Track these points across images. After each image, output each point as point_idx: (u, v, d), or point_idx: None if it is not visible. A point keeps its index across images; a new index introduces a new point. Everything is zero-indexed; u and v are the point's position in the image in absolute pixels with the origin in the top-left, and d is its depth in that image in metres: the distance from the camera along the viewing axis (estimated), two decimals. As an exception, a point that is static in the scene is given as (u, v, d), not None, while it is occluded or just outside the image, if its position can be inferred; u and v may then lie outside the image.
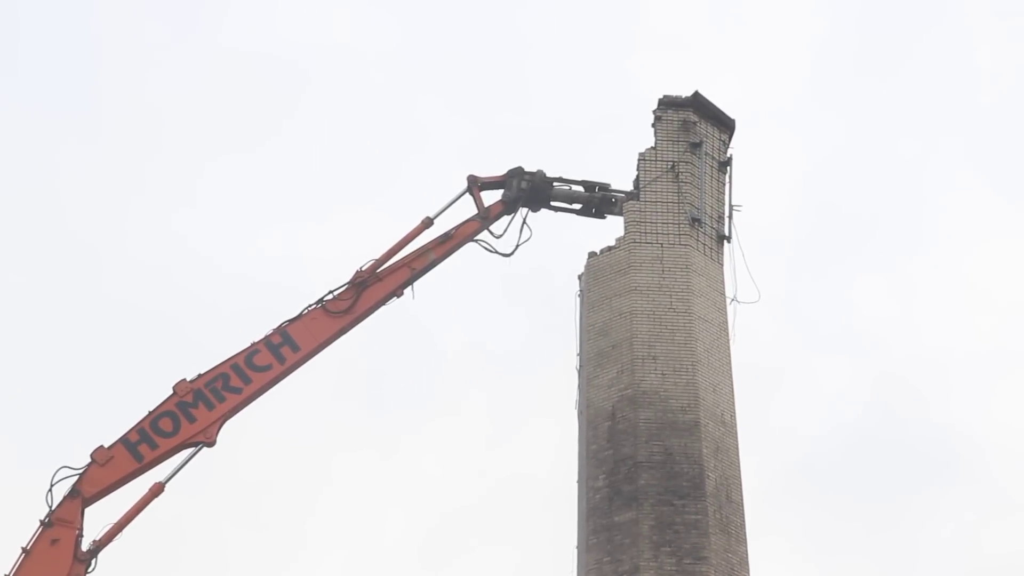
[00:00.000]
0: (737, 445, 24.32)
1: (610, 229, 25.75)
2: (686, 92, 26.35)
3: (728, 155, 26.38)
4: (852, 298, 51.66)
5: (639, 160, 25.98)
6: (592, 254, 25.76)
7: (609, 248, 25.53)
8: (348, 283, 23.77)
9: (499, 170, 25.36)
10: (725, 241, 25.88)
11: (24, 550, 21.28)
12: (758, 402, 24.64)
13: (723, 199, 26.13)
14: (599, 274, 25.40)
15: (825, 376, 47.77)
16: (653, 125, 26.26)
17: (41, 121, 57.46)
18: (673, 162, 25.78)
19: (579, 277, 25.98)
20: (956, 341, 52.26)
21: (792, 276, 44.76)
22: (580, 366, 25.38)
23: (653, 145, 26.10)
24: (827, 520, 44.59)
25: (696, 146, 25.92)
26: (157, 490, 22.03)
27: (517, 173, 25.22)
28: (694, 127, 26.06)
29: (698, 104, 26.23)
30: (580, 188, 25.77)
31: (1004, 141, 57.08)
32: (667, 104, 26.30)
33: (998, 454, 49.31)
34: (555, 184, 25.54)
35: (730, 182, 26.26)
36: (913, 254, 54.28)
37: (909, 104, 56.30)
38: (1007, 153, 56.97)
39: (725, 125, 26.47)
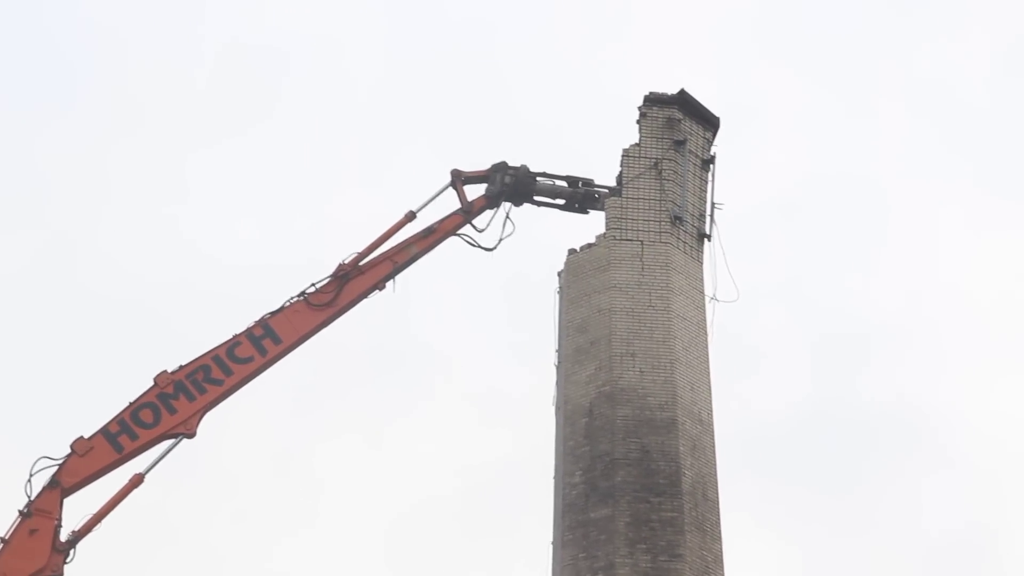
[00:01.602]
0: (714, 443, 24.14)
1: (592, 225, 25.63)
2: (672, 89, 26.16)
3: (712, 153, 26.14)
4: (810, 273, 51.72)
5: (623, 156, 25.79)
6: (572, 251, 25.55)
7: (589, 245, 25.32)
8: (330, 276, 23.64)
9: (483, 164, 25.19)
10: (706, 239, 25.64)
11: (2, 540, 21.10)
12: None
13: (705, 197, 25.88)
14: (579, 271, 25.20)
15: (776, 349, 47.65)
16: (638, 121, 26.04)
17: (21, 112, 57.25)
18: (656, 159, 25.55)
19: (559, 273, 25.80)
20: (907, 314, 52.85)
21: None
22: (559, 362, 25.19)
23: (637, 141, 25.85)
24: (783, 490, 44.53)
25: (680, 144, 25.71)
26: (137, 481, 21.88)
27: (501, 168, 25.09)
28: (679, 124, 25.83)
29: (683, 101, 26.02)
30: (563, 183, 25.59)
31: (981, 128, 57.09)
32: (652, 101, 26.11)
33: (946, 422, 50.11)
34: (538, 179, 25.38)
35: (713, 180, 26.04)
36: (877, 234, 54.27)
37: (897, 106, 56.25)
38: (980, 139, 57.02)
39: (710, 123, 26.27)
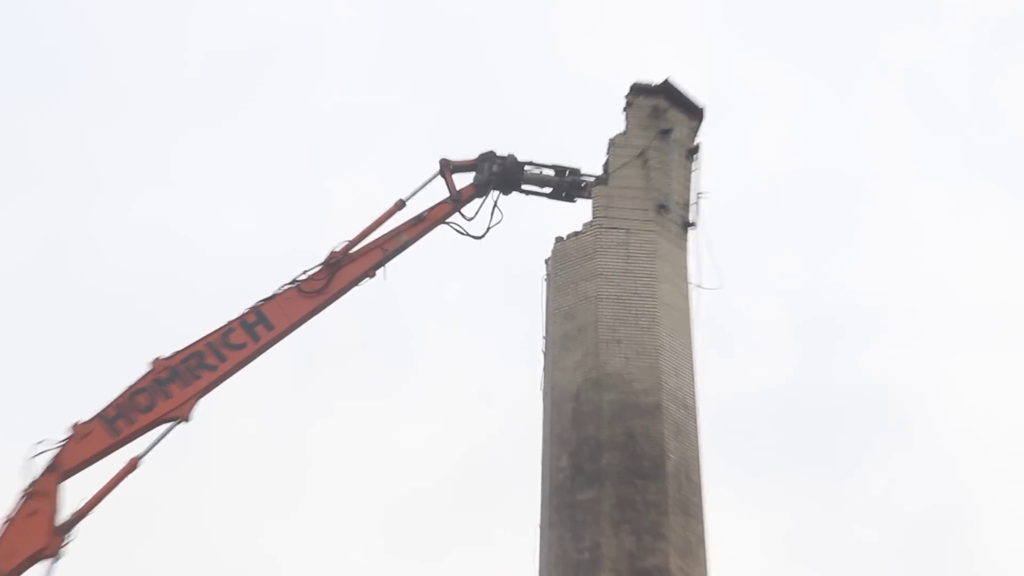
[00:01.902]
0: (697, 428, 24.31)
1: (579, 213, 25.89)
2: (658, 79, 26.36)
3: (697, 142, 26.33)
4: (790, 259, 52.14)
5: (609, 145, 25.96)
6: (559, 238, 25.73)
7: (576, 233, 25.49)
8: (322, 264, 24.05)
9: (471, 153, 25.56)
10: (691, 228, 25.85)
11: (5, 521, 21.60)
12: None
13: (690, 186, 26.09)
14: (565, 258, 25.37)
15: (754, 333, 48.12)
16: (624, 111, 26.22)
17: (8, 104, 57.38)
18: (642, 148, 25.76)
19: (546, 261, 25.96)
20: (882, 299, 53.36)
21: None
22: (546, 348, 25.38)
23: (623, 131, 26.06)
24: (761, 469, 45.02)
25: (666, 133, 25.85)
26: (133, 465, 22.34)
27: (489, 157, 25.46)
28: (664, 114, 26.01)
29: (669, 91, 26.17)
30: (550, 172, 25.93)
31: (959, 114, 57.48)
32: (638, 90, 26.24)
33: (918, 403, 50.84)
34: (526, 168, 25.73)
35: (698, 169, 26.25)
36: (856, 221, 54.68)
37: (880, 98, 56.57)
38: (957, 126, 57.42)
39: (695, 113, 26.38)
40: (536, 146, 26.84)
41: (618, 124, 26.19)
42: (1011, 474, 48.01)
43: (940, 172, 56.07)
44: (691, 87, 26.57)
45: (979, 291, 52.71)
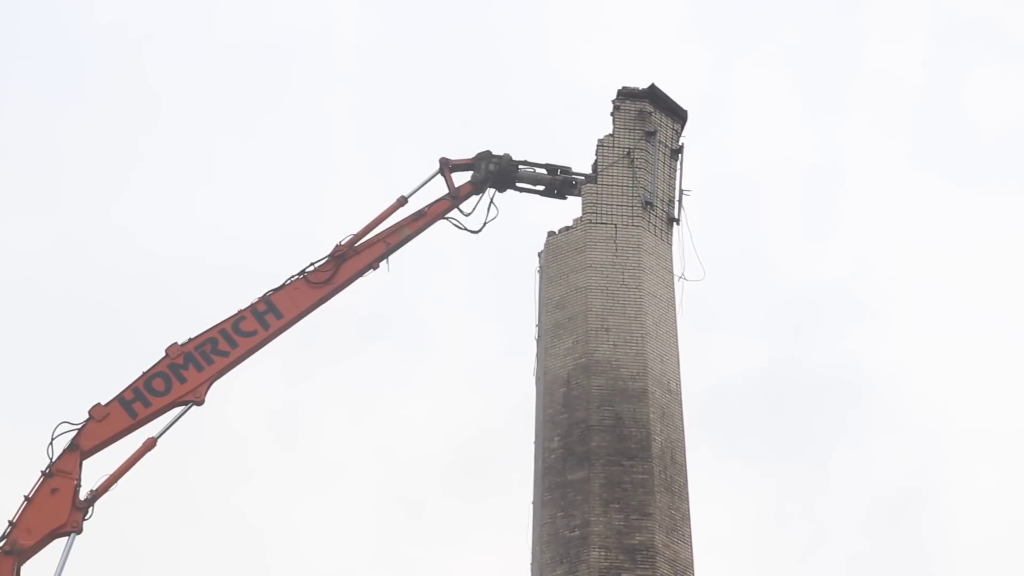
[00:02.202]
0: (682, 411, 25.10)
1: (570, 210, 26.75)
2: (644, 83, 27.30)
3: (680, 143, 27.25)
4: (767, 249, 53.02)
5: (598, 146, 26.85)
6: (551, 233, 26.56)
7: (567, 228, 26.37)
8: (328, 256, 24.66)
9: (469, 153, 26.31)
10: (675, 223, 26.75)
11: (26, 498, 22.05)
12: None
13: (674, 184, 26.99)
14: (557, 252, 26.22)
15: (733, 319, 48.95)
16: (612, 114, 27.11)
17: (35, 106, 57.97)
18: (629, 149, 26.69)
19: (539, 254, 26.84)
20: (855, 284, 54.31)
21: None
22: (538, 336, 26.26)
23: (611, 132, 26.96)
24: (740, 449, 45.86)
25: (651, 135, 26.79)
26: (150, 445, 22.87)
27: (485, 156, 26.21)
28: (649, 117, 26.94)
29: (654, 96, 27.12)
30: (543, 171, 26.71)
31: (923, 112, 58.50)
32: (625, 95, 27.17)
33: (892, 383, 51.63)
34: (520, 167, 26.49)
35: (681, 168, 27.16)
36: (832, 213, 55.67)
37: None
38: (920, 122, 58.44)
39: (678, 115, 27.34)
40: (531, 146, 27.64)
41: (606, 126, 27.13)
42: (981, 455, 49.29)
43: (915, 168, 57.00)
44: (676, 90, 27.64)
45: (947, 275, 54.11)
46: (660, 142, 26.96)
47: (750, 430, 47.27)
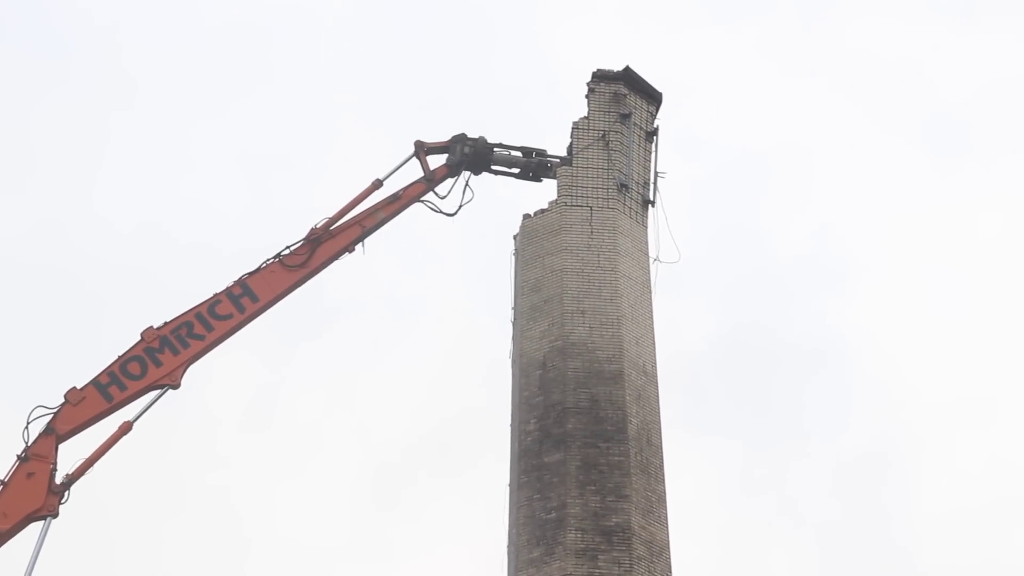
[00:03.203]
0: (657, 393, 24.87)
1: (545, 192, 26.47)
2: (619, 65, 27.02)
3: (655, 126, 27.00)
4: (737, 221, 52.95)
5: (572, 129, 26.58)
6: (527, 215, 26.33)
7: (542, 210, 26.12)
8: (303, 239, 24.39)
9: (444, 135, 26.04)
10: (650, 205, 26.52)
11: (1, 482, 21.77)
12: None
13: (649, 166, 26.75)
14: (533, 234, 25.97)
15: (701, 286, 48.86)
16: (586, 96, 26.84)
17: (12, 88, 57.42)
18: (604, 131, 26.43)
19: (514, 237, 26.55)
20: (824, 245, 54.25)
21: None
22: (514, 319, 25.95)
23: (586, 115, 26.69)
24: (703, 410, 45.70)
25: (625, 117, 26.54)
26: (126, 428, 22.58)
27: (460, 139, 25.93)
28: (624, 99, 26.66)
29: (628, 78, 26.84)
30: (518, 154, 26.43)
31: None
32: (600, 77, 26.89)
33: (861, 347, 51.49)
34: (495, 149, 26.21)
35: (656, 151, 26.90)
36: (802, 187, 55.72)
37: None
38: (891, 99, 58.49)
39: (653, 98, 27.07)
40: (507, 127, 27.41)
41: (582, 108, 26.87)
42: (946, 421, 49.55)
43: (884, 139, 57.04)
44: (651, 72, 27.35)
45: (912, 243, 54.11)
46: (635, 124, 26.70)
47: (715, 396, 47.06)
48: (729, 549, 42.86)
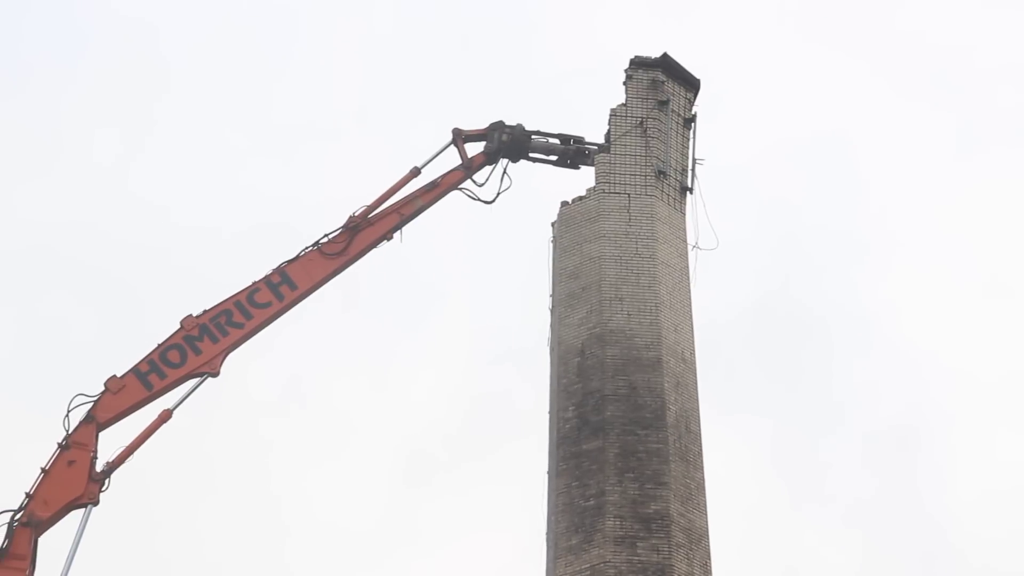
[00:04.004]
0: (696, 380, 24.66)
1: (583, 179, 26.21)
2: (657, 52, 26.77)
3: (693, 112, 26.73)
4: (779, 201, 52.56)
5: (610, 116, 26.35)
6: (564, 203, 26.10)
7: (580, 198, 25.88)
8: (342, 227, 24.25)
9: (482, 123, 25.81)
10: (688, 192, 26.24)
11: (43, 470, 21.69)
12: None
13: (687, 153, 26.47)
14: (570, 221, 25.75)
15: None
16: (624, 83, 26.59)
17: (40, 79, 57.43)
18: (642, 118, 26.16)
19: (552, 224, 26.34)
20: (853, 224, 54.16)
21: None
22: (552, 306, 25.75)
23: (624, 102, 26.43)
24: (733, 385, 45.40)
25: (663, 104, 26.28)
26: (165, 416, 22.50)
27: (498, 126, 25.71)
28: (662, 86, 26.39)
29: (666, 65, 26.59)
30: (556, 141, 26.21)
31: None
32: (638, 64, 26.66)
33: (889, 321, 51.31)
34: (533, 137, 25.98)
35: (694, 137, 26.63)
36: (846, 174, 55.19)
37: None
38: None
39: (691, 84, 26.81)
40: (545, 115, 27.14)
41: (620, 95, 26.59)
42: (975, 393, 49.29)
43: (920, 122, 56.62)
44: (689, 58, 27.07)
45: (951, 220, 54.21)
46: (673, 111, 26.42)
47: (747, 367, 46.75)
48: (760, 529, 42.66)
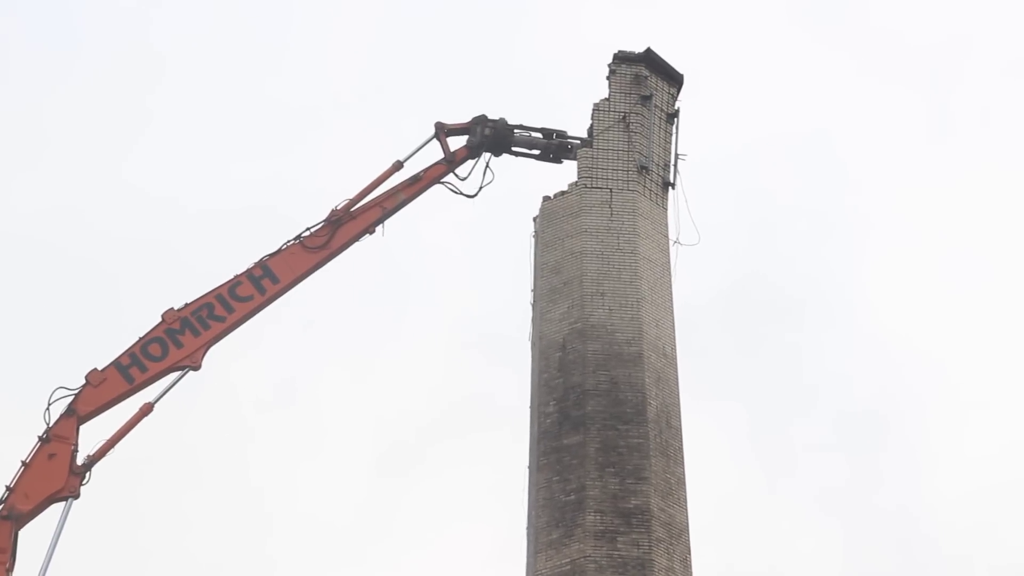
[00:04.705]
0: (677, 376, 24.56)
1: (566, 174, 26.06)
2: (640, 47, 26.57)
3: (676, 107, 26.57)
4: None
5: (593, 110, 26.21)
6: (546, 198, 25.95)
7: (562, 192, 25.74)
8: (324, 221, 24.06)
9: (464, 117, 25.61)
10: (670, 187, 26.08)
11: (24, 463, 21.51)
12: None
13: (670, 148, 26.31)
14: (552, 217, 25.62)
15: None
16: (608, 78, 26.41)
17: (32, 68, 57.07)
18: (624, 113, 26.00)
19: (534, 219, 26.22)
20: (827, 209, 54.24)
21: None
22: (534, 301, 25.62)
23: (607, 96, 26.27)
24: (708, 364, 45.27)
25: (646, 99, 26.14)
26: (147, 410, 22.33)
27: (481, 120, 25.55)
28: (645, 81, 26.25)
29: (650, 60, 26.43)
30: (539, 135, 26.03)
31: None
32: (621, 59, 26.52)
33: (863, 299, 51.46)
34: (516, 131, 25.80)
35: (677, 132, 26.48)
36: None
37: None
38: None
39: (674, 80, 26.67)
40: (528, 109, 26.94)
41: (603, 90, 26.40)
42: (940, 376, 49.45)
43: (898, 114, 56.67)
44: (673, 53, 26.89)
45: (925, 204, 54.17)
46: (656, 106, 26.24)
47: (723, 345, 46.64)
48: (736, 517, 42.63)
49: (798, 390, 48.67)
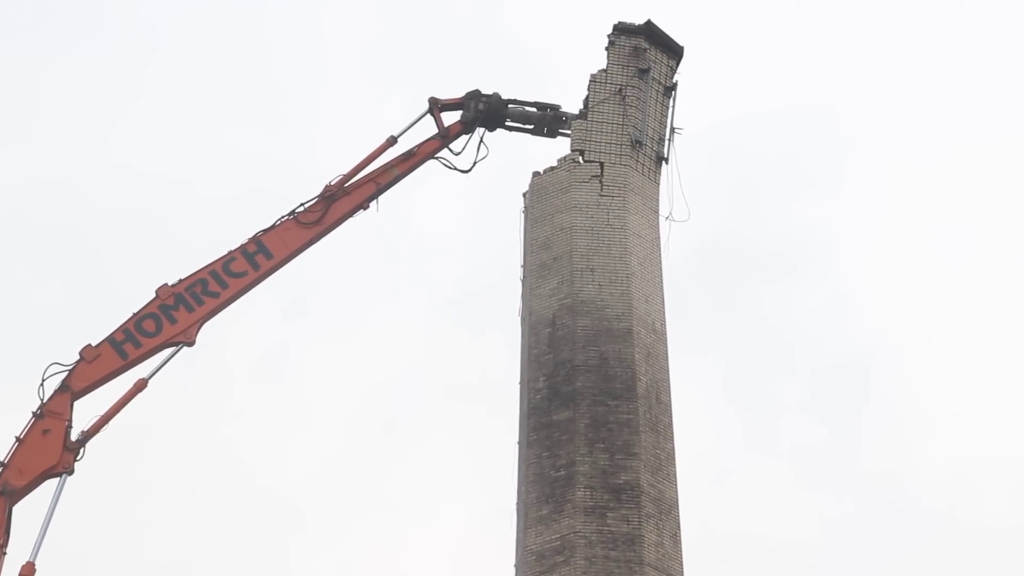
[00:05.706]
0: (667, 351, 24.40)
1: (560, 148, 25.79)
2: (641, 18, 26.16)
3: (674, 81, 26.18)
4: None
5: (590, 82, 25.85)
6: (536, 173, 25.69)
7: (552, 168, 25.48)
8: (318, 196, 24.01)
9: (459, 92, 25.44)
10: (664, 162, 25.78)
11: (18, 439, 21.68)
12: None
13: (666, 122, 25.98)
14: (542, 192, 25.38)
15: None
16: (606, 49, 26.03)
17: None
18: (621, 86, 25.66)
19: (524, 194, 26.00)
20: (804, 161, 53.61)
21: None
22: (524, 277, 25.45)
23: (604, 68, 25.90)
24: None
25: (644, 71, 25.74)
26: (141, 386, 22.43)
27: (475, 95, 25.38)
28: (644, 53, 25.85)
29: (650, 32, 26.00)
30: (533, 109, 25.82)
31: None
32: (620, 30, 26.08)
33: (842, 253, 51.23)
34: (510, 105, 25.60)
35: (674, 106, 26.10)
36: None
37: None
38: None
39: (674, 52, 26.22)
40: (525, 82, 26.70)
41: (602, 61, 26.01)
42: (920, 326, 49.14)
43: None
44: (673, 25, 26.45)
45: (904, 156, 53.72)
46: (654, 79, 25.86)
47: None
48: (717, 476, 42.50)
49: (776, 345, 48.41)
